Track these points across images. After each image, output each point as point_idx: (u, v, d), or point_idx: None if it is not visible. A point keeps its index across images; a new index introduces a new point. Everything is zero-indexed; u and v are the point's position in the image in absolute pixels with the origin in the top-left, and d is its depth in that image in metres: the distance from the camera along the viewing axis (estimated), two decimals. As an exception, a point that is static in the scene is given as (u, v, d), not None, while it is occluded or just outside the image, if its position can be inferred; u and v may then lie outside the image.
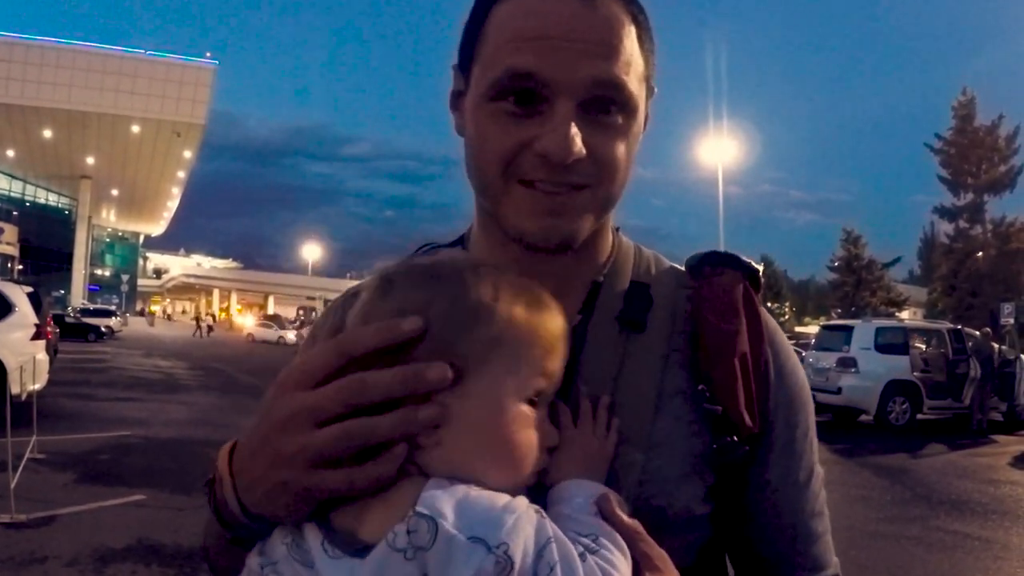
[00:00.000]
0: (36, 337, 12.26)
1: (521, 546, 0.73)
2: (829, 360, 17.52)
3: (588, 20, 0.88)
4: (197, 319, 71.01)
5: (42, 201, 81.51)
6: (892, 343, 17.54)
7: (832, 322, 25.03)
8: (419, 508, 0.73)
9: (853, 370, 17.06)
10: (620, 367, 0.97)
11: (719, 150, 34.02)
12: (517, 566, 0.71)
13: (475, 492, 0.77)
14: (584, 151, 0.88)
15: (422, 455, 0.79)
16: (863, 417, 17.55)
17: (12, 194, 75.27)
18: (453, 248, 0.96)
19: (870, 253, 53.82)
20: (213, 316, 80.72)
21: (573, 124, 0.87)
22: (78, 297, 72.22)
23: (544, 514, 0.79)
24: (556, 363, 0.83)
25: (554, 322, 0.83)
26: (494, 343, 0.79)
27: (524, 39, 0.88)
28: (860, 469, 11.82)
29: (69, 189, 78.61)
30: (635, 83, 0.91)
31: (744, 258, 1.06)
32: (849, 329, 18.45)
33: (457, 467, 0.79)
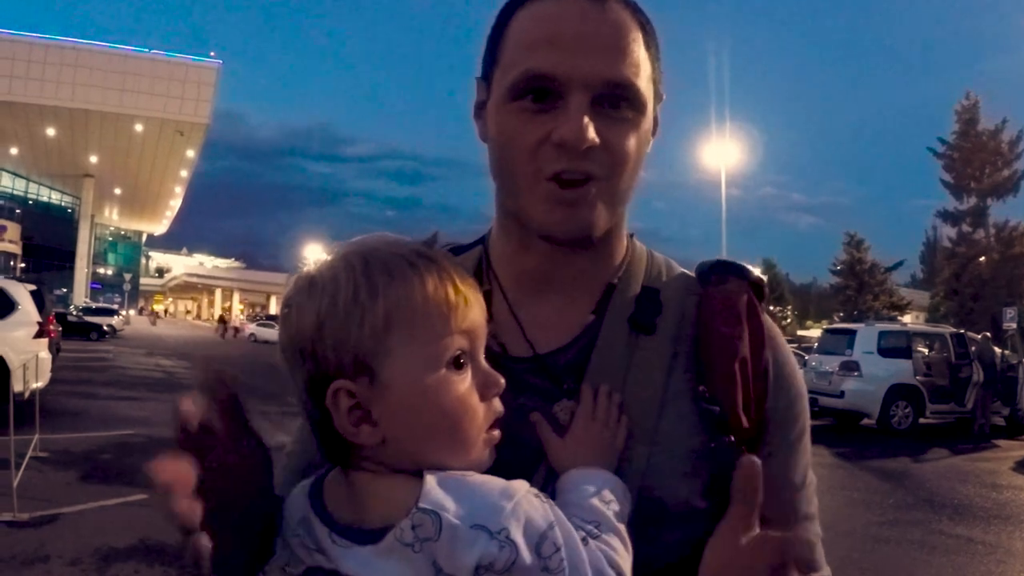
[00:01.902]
0: (39, 335, 12.27)
1: (522, 530, 0.77)
2: (832, 364, 17.52)
3: (599, 24, 0.95)
4: (223, 319, 71.95)
5: (45, 199, 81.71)
6: (895, 347, 17.57)
7: (835, 326, 25.01)
8: (421, 503, 0.77)
9: (856, 374, 17.08)
10: (628, 366, 1.02)
11: (721, 153, 33.99)
12: (521, 549, 0.75)
13: (473, 480, 0.81)
14: (597, 139, 0.94)
15: (379, 454, 0.83)
16: (865, 421, 17.55)
17: (15, 192, 75.53)
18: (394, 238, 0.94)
19: (872, 257, 53.77)
20: (223, 319, 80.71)
21: (586, 115, 0.93)
22: (80, 295, 72.26)
23: (545, 499, 0.82)
24: (468, 319, 0.85)
25: (443, 282, 0.85)
26: (385, 328, 0.81)
27: (539, 43, 0.95)
28: (862, 473, 11.83)
29: (72, 187, 78.74)
30: (644, 83, 0.98)
31: (750, 268, 1.11)
32: (852, 333, 18.46)
33: (414, 454, 0.82)
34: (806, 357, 19.13)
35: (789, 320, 71.04)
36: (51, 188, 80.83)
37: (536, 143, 0.95)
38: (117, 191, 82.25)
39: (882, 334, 18.01)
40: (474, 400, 0.85)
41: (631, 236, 1.14)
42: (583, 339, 1.05)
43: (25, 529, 6.43)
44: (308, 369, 0.83)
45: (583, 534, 0.82)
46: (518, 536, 0.76)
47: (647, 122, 1.00)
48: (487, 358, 0.89)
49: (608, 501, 0.89)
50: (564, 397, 1.01)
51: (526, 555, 0.76)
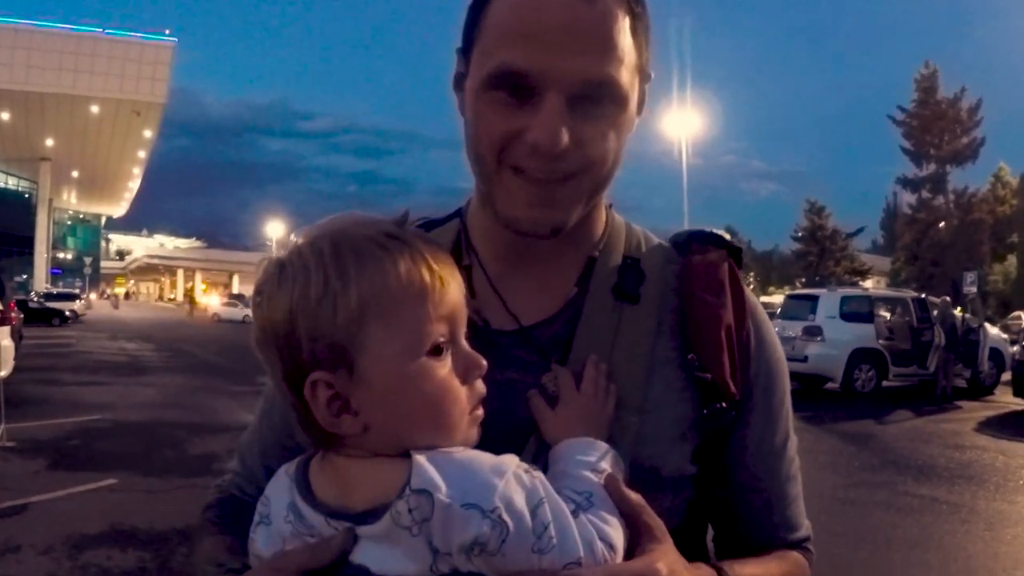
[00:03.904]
0: (0, 323, 12.07)
1: (514, 508, 0.76)
2: (795, 329, 17.66)
3: (582, 14, 0.90)
4: (189, 299, 71.67)
5: (1, 185, 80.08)
6: (857, 312, 17.78)
7: (797, 291, 25.25)
8: (413, 484, 0.75)
9: (819, 339, 17.25)
10: (615, 336, 1.03)
11: (682, 122, 34.05)
12: (512, 527, 0.75)
13: (462, 457, 0.79)
14: (569, 143, 0.91)
15: (362, 441, 0.81)
16: (829, 385, 17.74)
17: (-30, 179, 73.95)
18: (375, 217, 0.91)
19: (833, 223, 54.37)
20: (192, 298, 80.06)
21: (562, 117, 0.90)
22: (41, 281, 71.08)
23: (535, 473, 0.81)
24: (445, 302, 0.83)
25: (417, 265, 0.82)
26: (359, 317, 0.79)
27: (517, 35, 0.91)
28: (827, 436, 11.99)
29: (28, 172, 77.19)
30: (626, 76, 0.95)
31: (728, 237, 1.12)
32: (815, 298, 18.63)
33: (398, 439, 0.81)
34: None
35: (752, 286, 71.54)
36: (7, 173, 79.15)
37: (507, 137, 0.93)
38: (75, 174, 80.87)
39: (844, 299, 18.21)
40: (456, 384, 0.83)
41: (609, 207, 1.14)
42: (568, 311, 1.05)
43: None
44: (283, 361, 0.81)
45: (573, 506, 0.82)
46: (510, 514, 0.75)
47: (628, 113, 0.98)
48: (471, 332, 0.88)
49: (601, 471, 0.89)
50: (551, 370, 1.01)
51: (516, 533, 0.75)
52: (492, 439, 0.86)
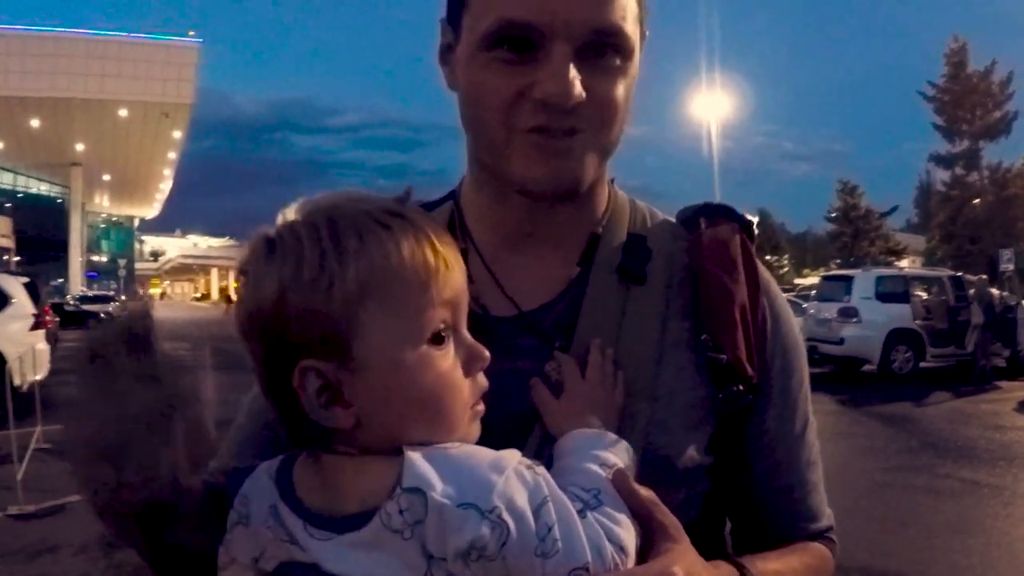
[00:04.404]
0: (35, 327, 12.22)
1: (516, 507, 0.70)
2: (830, 311, 17.50)
3: None
4: (226, 298, 72.47)
5: (34, 191, 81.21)
6: (893, 292, 17.56)
7: (832, 272, 24.97)
8: (405, 483, 0.69)
9: (855, 320, 17.06)
10: (621, 318, 0.97)
11: (711, 104, 33.92)
12: (513, 529, 0.69)
13: (458, 453, 0.73)
14: (584, 94, 0.86)
15: (353, 437, 0.75)
16: (866, 367, 17.55)
17: (3, 186, 75.02)
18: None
19: (867, 203, 53.69)
20: (228, 296, 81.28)
21: (572, 67, 0.86)
22: (76, 285, 72.06)
23: (539, 469, 0.75)
24: (449, 286, 0.77)
25: (421, 244, 0.76)
26: (357, 298, 0.72)
27: None
28: (865, 419, 11.87)
29: (60, 177, 78.20)
30: (631, 26, 0.90)
31: (738, 210, 1.06)
32: (849, 279, 18.43)
33: (393, 436, 0.74)
34: (805, 305, 19.12)
35: (786, 269, 71.17)
36: (40, 179, 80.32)
37: (514, 97, 0.88)
38: (106, 178, 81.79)
39: (880, 279, 18.01)
40: (458, 376, 0.78)
41: (612, 182, 1.08)
42: (570, 293, 1.00)
43: (32, 521, 6.43)
44: (269, 347, 0.75)
45: (580, 505, 0.76)
46: (511, 514, 0.69)
47: (634, 67, 0.93)
48: (469, 320, 0.82)
49: (611, 465, 0.82)
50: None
51: (518, 535, 0.69)
52: (492, 433, 0.81)
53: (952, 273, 19.63)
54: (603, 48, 0.88)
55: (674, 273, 1.01)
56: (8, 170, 74.87)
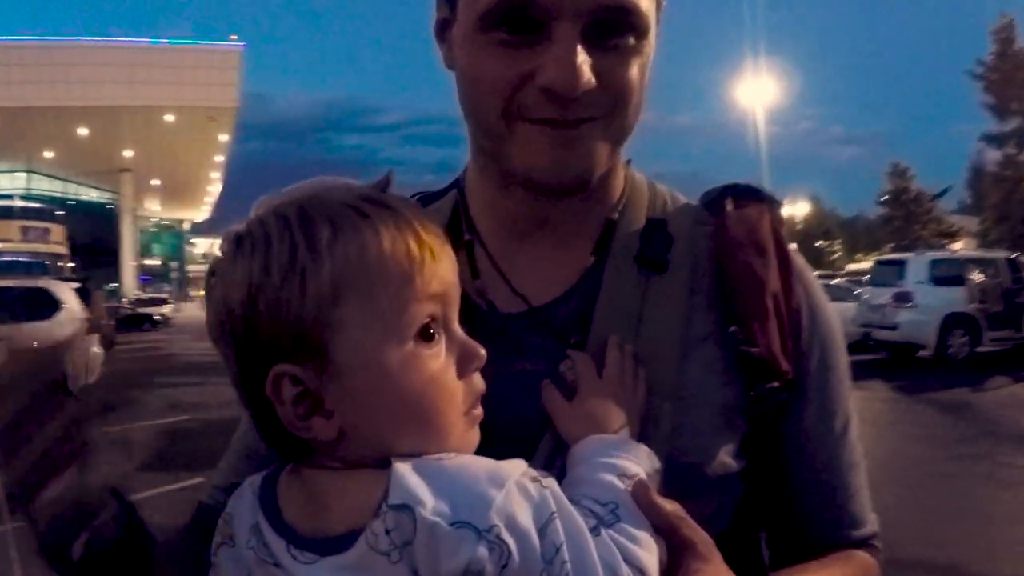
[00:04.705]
0: (88, 331, 12.46)
1: (518, 526, 0.62)
2: (884, 296, 17.18)
3: None
4: None
5: (85, 198, 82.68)
6: (947, 275, 17.16)
7: (885, 257, 24.51)
8: (392, 499, 0.62)
9: (909, 305, 16.72)
10: (641, 311, 0.89)
11: (757, 90, 33.54)
12: (515, 550, 0.61)
13: (452, 465, 0.66)
14: (593, 80, 0.79)
15: (337, 449, 0.69)
16: (921, 352, 17.21)
17: (55, 194, 76.43)
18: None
19: (918, 185, 52.70)
20: None
21: (579, 51, 0.78)
22: (130, 288, 73.35)
23: (546, 481, 0.68)
24: (436, 279, 0.71)
25: (403, 233, 0.70)
26: (333, 295, 0.66)
27: None
28: (921, 407, 11.62)
29: (110, 184, 79.47)
30: (645, 1, 0.81)
31: (765, 190, 0.99)
32: (903, 263, 18.09)
33: (380, 447, 0.68)
34: (857, 291, 18.80)
35: (839, 254, 70.20)
36: (90, 186, 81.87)
37: (516, 83, 0.80)
38: (155, 183, 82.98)
39: (934, 263, 17.63)
40: (450, 378, 0.71)
41: (628, 163, 0.99)
42: (584, 285, 0.92)
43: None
44: (241, 351, 0.69)
45: (594, 521, 0.69)
46: (512, 534, 0.62)
47: (650, 45, 0.85)
48: (473, 317, 0.77)
49: (631, 474, 0.75)
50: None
51: (521, 557, 0.62)
52: (500, 441, 0.74)
53: (1008, 255, 19.18)
54: (615, 27, 0.80)
55: (698, 260, 0.93)
56: (59, 178, 76.37)
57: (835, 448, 0.96)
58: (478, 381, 0.75)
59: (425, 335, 0.70)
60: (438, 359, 0.71)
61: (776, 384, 0.89)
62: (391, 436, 0.68)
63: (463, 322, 0.75)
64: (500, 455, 0.70)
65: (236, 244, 0.70)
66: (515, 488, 0.65)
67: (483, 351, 0.74)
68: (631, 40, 0.81)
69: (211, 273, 0.72)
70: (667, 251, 0.92)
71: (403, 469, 0.65)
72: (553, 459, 0.82)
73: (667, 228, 0.94)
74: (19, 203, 64.17)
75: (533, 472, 0.69)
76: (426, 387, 0.69)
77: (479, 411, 0.75)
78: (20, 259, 44.18)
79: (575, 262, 0.94)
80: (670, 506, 0.74)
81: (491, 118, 0.83)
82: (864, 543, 0.97)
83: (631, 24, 0.80)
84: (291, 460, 0.74)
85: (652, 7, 0.84)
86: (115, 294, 65.20)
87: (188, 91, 64.94)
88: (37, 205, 66.22)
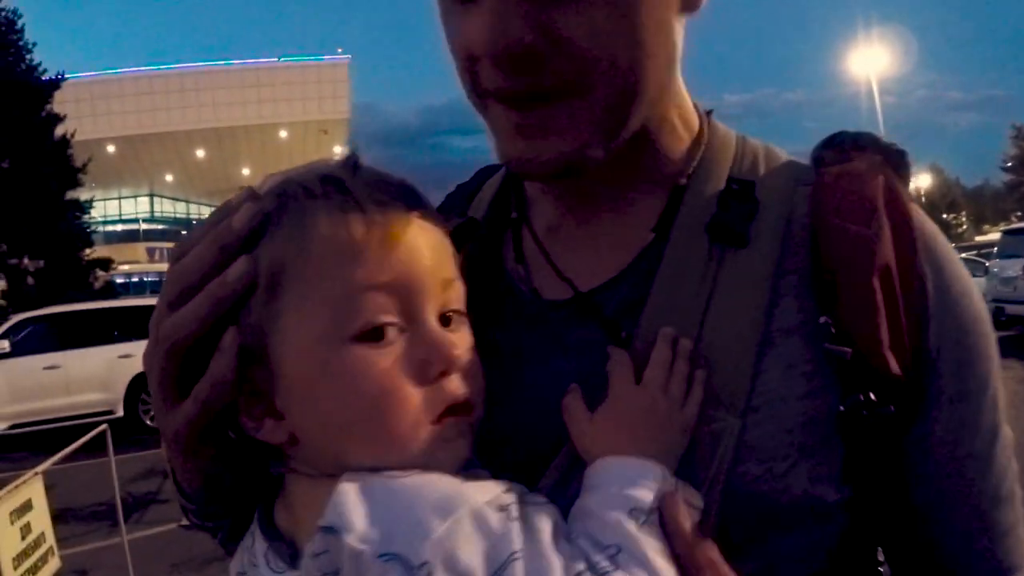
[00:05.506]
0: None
1: (457, 565, 0.52)
2: (1015, 267, 16.06)
3: None
4: None
5: (206, 217, 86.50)
6: (1082, 241, 16.00)
7: (1014, 226, 23.19)
8: (323, 519, 0.54)
9: (1042, 275, 15.66)
10: (711, 296, 0.70)
11: (869, 60, 32.41)
12: None
13: (404, 484, 0.56)
14: (528, 37, 0.61)
15: (299, 455, 0.62)
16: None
17: (177, 215, 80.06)
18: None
19: (1046, 147, 50.21)
20: None
21: (508, 2, 0.61)
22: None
23: (515, 514, 0.55)
24: (388, 268, 0.60)
25: (348, 215, 0.60)
26: (270, 284, 0.60)
27: None
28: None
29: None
30: None
31: (882, 139, 0.77)
32: (1033, 231, 16.92)
33: (334, 455, 0.60)
34: (987, 263, 17.78)
35: (965, 227, 67.32)
36: (210, 206, 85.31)
37: (470, 51, 0.66)
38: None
39: (1066, 228, 16.50)
40: (401, 382, 0.59)
41: (709, 114, 0.80)
42: (642, 264, 0.74)
43: (201, 532, 6.64)
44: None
45: (582, 566, 0.55)
46: (449, 574, 0.51)
47: None
48: (516, 305, 0.66)
49: (646, 510, 0.59)
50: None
51: None
52: (522, 456, 0.66)
53: None
54: None
55: (792, 231, 0.72)
56: (180, 200, 79.84)
57: (975, 473, 0.72)
58: (452, 386, 0.62)
59: (372, 333, 0.60)
60: (386, 360, 0.60)
61: (872, 394, 0.67)
62: (341, 445, 0.60)
63: (503, 312, 0.66)
64: (520, 472, 0.62)
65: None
66: (468, 519, 0.54)
67: (454, 351, 0.62)
68: None
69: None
70: (750, 220, 0.72)
71: (347, 487, 0.56)
72: (567, 481, 0.67)
73: (754, 192, 0.74)
74: (144, 226, 67.40)
75: (509, 499, 0.57)
76: (370, 391, 0.59)
77: (453, 421, 0.62)
78: (148, 278, 46.25)
79: (634, 238, 0.76)
80: (706, 556, 0.59)
81: (470, 97, 0.70)
82: None
83: None
84: (269, 459, 0.68)
85: None
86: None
87: (299, 106, 67.21)
88: (160, 227, 69.51)
